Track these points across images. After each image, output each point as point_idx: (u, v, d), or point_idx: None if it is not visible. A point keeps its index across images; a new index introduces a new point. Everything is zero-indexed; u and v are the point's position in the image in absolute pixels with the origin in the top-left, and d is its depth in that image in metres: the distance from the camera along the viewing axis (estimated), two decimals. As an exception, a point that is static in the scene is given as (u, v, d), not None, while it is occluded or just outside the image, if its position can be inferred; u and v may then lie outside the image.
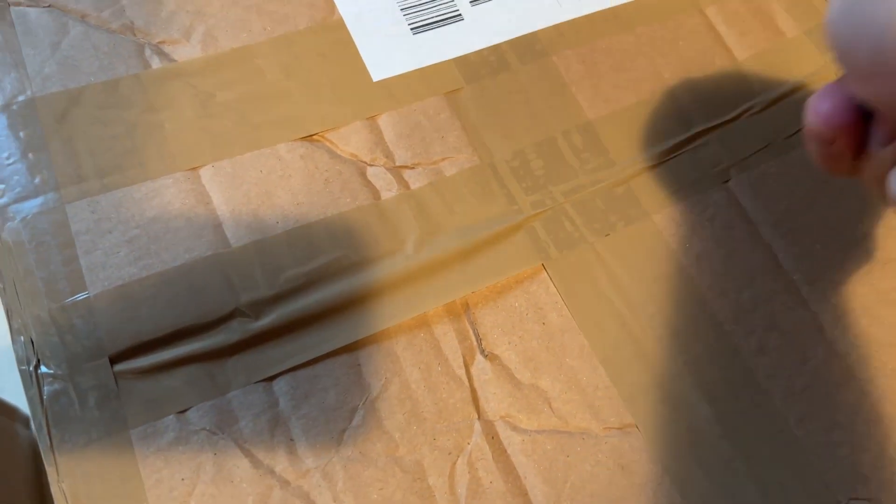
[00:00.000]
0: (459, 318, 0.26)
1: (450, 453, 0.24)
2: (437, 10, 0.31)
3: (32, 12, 0.29)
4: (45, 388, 0.23)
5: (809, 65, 0.32)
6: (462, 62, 0.31)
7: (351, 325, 0.25)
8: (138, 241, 0.25)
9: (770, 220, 0.29)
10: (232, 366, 0.24)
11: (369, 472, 0.24)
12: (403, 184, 0.28)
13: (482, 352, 0.26)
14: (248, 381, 0.24)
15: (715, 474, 0.25)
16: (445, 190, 0.28)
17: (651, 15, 0.33)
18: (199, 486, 0.23)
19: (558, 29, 0.32)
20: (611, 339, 0.26)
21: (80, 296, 0.24)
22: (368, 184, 0.28)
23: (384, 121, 0.29)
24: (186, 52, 0.29)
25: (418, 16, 0.31)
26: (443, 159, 0.29)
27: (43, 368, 0.23)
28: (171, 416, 0.23)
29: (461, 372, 0.25)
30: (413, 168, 0.28)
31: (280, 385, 0.24)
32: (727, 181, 0.30)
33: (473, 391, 0.25)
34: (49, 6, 0.29)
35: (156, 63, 0.29)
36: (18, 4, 0.29)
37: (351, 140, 0.28)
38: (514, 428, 0.25)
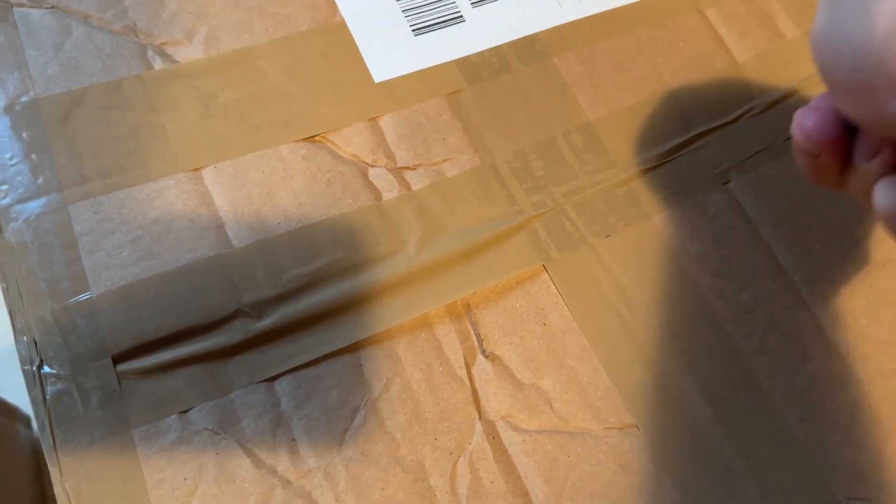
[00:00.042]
0: (461, 318, 0.26)
1: (451, 453, 0.24)
2: (439, 12, 0.32)
3: (35, 13, 0.29)
4: (49, 389, 0.23)
5: (809, 67, 0.32)
6: (463, 63, 0.31)
7: (353, 326, 0.25)
8: (141, 241, 0.26)
9: (770, 221, 0.29)
10: (234, 366, 0.24)
11: (371, 471, 0.24)
12: (405, 185, 0.28)
13: (483, 352, 0.26)
14: (250, 382, 0.24)
15: (715, 474, 0.25)
16: (447, 191, 0.28)
17: (651, 16, 0.33)
18: (202, 485, 0.23)
19: (559, 30, 0.32)
20: (611, 339, 0.26)
21: (83, 296, 0.24)
22: (370, 185, 0.28)
23: (386, 122, 0.29)
24: (189, 54, 0.29)
25: (420, 17, 0.31)
26: (444, 160, 0.29)
27: (46, 369, 0.23)
28: (173, 417, 0.23)
29: (462, 372, 0.25)
30: (414, 169, 0.28)
31: (282, 385, 0.24)
32: (727, 182, 0.30)
33: (474, 391, 0.25)
34: (52, 7, 0.29)
35: (158, 64, 0.29)
36: (21, 5, 0.29)
37: (353, 141, 0.29)
38: (515, 428, 0.25)
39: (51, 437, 0.23)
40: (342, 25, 0.31)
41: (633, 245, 0.28)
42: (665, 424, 0.25)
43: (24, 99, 0.27)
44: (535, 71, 0.31)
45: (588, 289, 0.27)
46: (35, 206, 0.26)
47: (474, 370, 0.26)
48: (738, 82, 0.32)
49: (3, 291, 0.25)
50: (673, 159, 0.30)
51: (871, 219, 0.30)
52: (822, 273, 0.28)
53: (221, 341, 0.24)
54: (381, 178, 0.28)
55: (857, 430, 0.26)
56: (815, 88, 0.32)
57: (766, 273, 0.28)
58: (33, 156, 0.26)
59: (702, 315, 0.27)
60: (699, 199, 0.29)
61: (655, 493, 0.24)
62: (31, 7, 0.29)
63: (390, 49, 0.30)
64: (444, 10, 0.32)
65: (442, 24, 0.31)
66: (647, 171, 0.30)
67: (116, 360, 0.24)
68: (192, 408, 0.24)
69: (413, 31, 0.31)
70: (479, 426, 0.25)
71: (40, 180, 0.26)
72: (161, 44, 0.29)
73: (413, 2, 0.32)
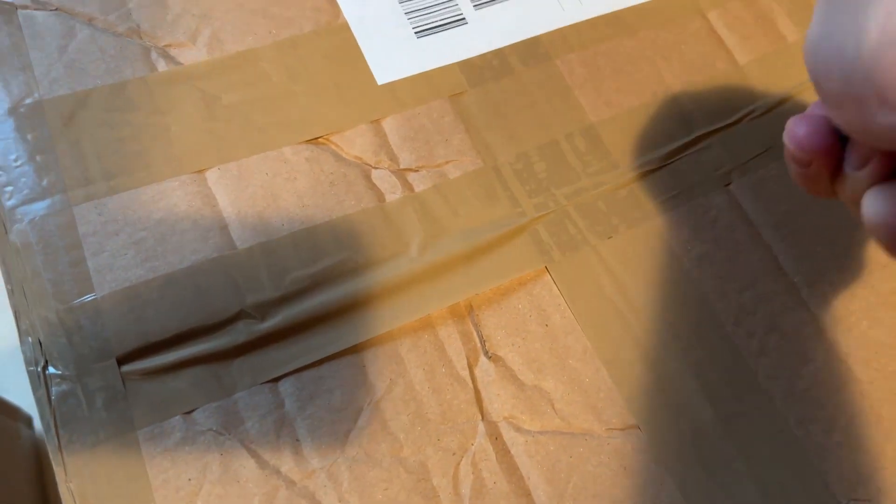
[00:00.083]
0: (463, 319, 0.26)
1: (454, 454, 0.24)
2: (441, 14, 0.32)
3: (40, 15, 0.29)
4: (53, 389, 0.23)
5: (810, 69, 0.33)
6: (466, 66, 0.31)
7: (356, 327, 0.25)
8: (145, 242, 0.26)
9: (771, 223, 0.29)
10: (238, 367, 0.24)
11: (374, 472, 0.24)
12: (408, 186, 0.28)
13: (486, 353, 0.26)
14: (253, 383, 0.24)
15: (716, 475, 0.25)
16: (449, 193, 0.28)
17: (653, 19, 0.33)
18: (206, 486, 0.23)
19: (561, 32, 0.32)
20: (613, 340, 0.27)
21: (88, 297, 0.25)
22: (373, 186, 0.28)
23: (389, 124, 0.29)
24: (192, 56, 0.29)
25: (422, 19, 0.31)
26: (447, 162, 0.29)
27: (51, 369, 0.24)
28: (177, 417, 0.23)
29: (465, 373, 0.26)
30: (417, 171, 0.29)
31: (285, 386, 0.24)
32: (729, 184, 0.30)
33: (477, 392, 0.25)
34: (56, 9, 0.29)
35: (162, 66, 0.29)
36: (26, 7, 0.29)
37: (356, 143, 0.29)
38: (518, 429, 0.25)
39: (56, 438, 0.23)
40: (345, 27, 0.31)
41: (634, 247, 0.28)
42: (666, 425, 0.26)
43: (28, 101, 0.27)
44: (537, 73, 0.31)
45: (590, 290, 0.27)
46: (40, 207, 0.26)
47: (477, 371, 0.26)
48: (740, 85, 0.32)
49: (8, 293, 0.25)
50: (674, 161, 0.30)
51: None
52: (823, 275, 0.29)
53: (225, 342, 0.24)
54: (384, 179, 0.28)
55: (858, 431, 0.26)
56: (815, 92, 0.32)
57: (768, 274, 0.28)
58: (38, 157, 0.26)
59: (703, 316, 0.27)
60: (701, 201, 0.29)
61: (657, 493, 0.25)
62: (35, 9, 0.29)
63: (393, 51, 0.30)
64: (447, 13, 0.32)
65: (444, 27, 0.31)
66: (648, 172, 0.30)
67: (121, 361, 0.24)
68: (196, 409, 0.24)
69: (416, 33, 0.31)
70: (481, 427, 0.25)
71: (45, 182, 0.26)
72: (165, 46, 0.29)
73: (416, 4, 0.32)
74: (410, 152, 0.29)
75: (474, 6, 0.32)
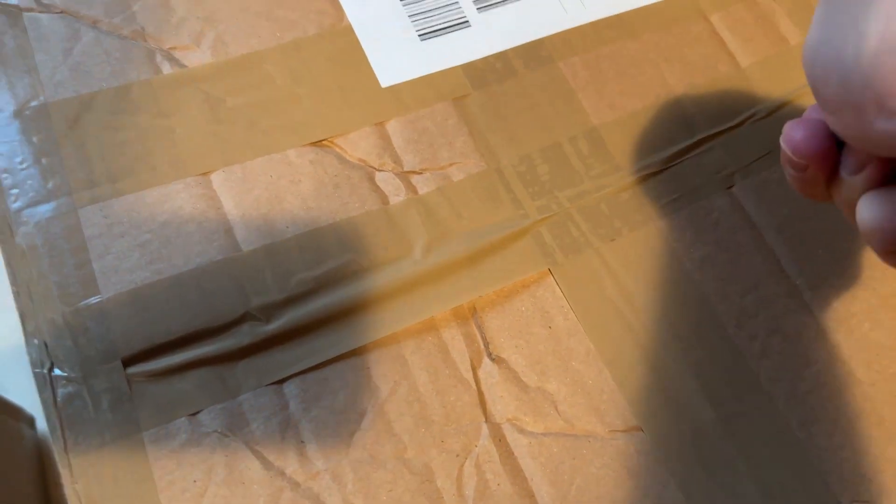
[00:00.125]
0: (467, 321, 0.27)
1: (458, 455, 0.24)
2: (445, 17, 0.32)
3: (45, 18, 0.29)
4: (59, 391, 0.23)
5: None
6: (469, 68, 0.31)
7: (360, 329, 0.26)
8: (150, 245, 0.26)
9: (773, 225, 0.29)
10: (243, 369, 0.25)
11: (378, 473, 0.24)
12: (411, 189, 0.28)
13: (489, 355, 0.26)
14: (258, 384, 0.24)
15: (718, 476, 0.25)
16: (453, 195, 0.28)
17: (656, 22, 0.33)
18: (211, 487, 0.23)
19: (564, 35, 0.32)
20: (616, 342, 0.27)
21: (93, 299, 0.25)
22: (377, 189, 0.28)
23: (392, 126, 0.29)
24: (197, 58, 0.29)
25: (426, 22, 0.32)
26: (450, 164, 0.29)
27: (57, 371, 0.24)
28: (182, 419, 0.24)
29: (468, 375, 0.26)
30: (421, 173, 0.29)
31: (290, 388, 0.25)
32: (731, 187, 0.30)
33: (481, 394, 0.26)
34: (61, 12, 0.29)
35: (166, 69, 0.29)
36: (31, 10, 0.29)
37: (360, 145, 0.29)
38: (521, 430, 0.25)
39: (62, 440, 0.23)
40: (349, 30, 0.31)
41: (637, 249, 0.28)
42: (669, 427, 0.26)
43: (34, 103, 0.27)
44: (540, 76, 0.31)
45: (593, 292, 0.27)
46: (45, 209, 0.26)
47: (480, 373, 0.26)
48: (742, 87, 0.32)
49: (14, 295, 0.25)
50: (677, 164, 0.30)
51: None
52: (825, 277, 0.29)
53: (230, 344, 0.25)
54: (387, 182, 0.28)
55: (860, 432, 0.26)
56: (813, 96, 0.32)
57: (770, 277, 0.29)
58: (43, 160, 0.27)
59: (705, 319, 0.28)
60: (703, 204, 0.30)
61: (660, 495, 0.25)
62: (40, 12, 0.29)
63: (397, 54, 0.31)
64: (450, 15, 0.32)
65: (448, 30, 0.32)
66: (651, 175, 0.30)
67: (126, 363, 0.24)
68: (202, 410, 0.24)
69: (419, 35, 0.31)
70: (485, 429, 0.25)
71: (50, 184, 0.26)
72: (169, 48, 0.29)
73: (419, 7, 0.32)
74: (414, 155, 0.29)
75: (477, 9, 0.32)
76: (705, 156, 0.31)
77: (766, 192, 0.30)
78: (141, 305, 0.25)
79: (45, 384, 0.24)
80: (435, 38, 0.31)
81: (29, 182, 0.26)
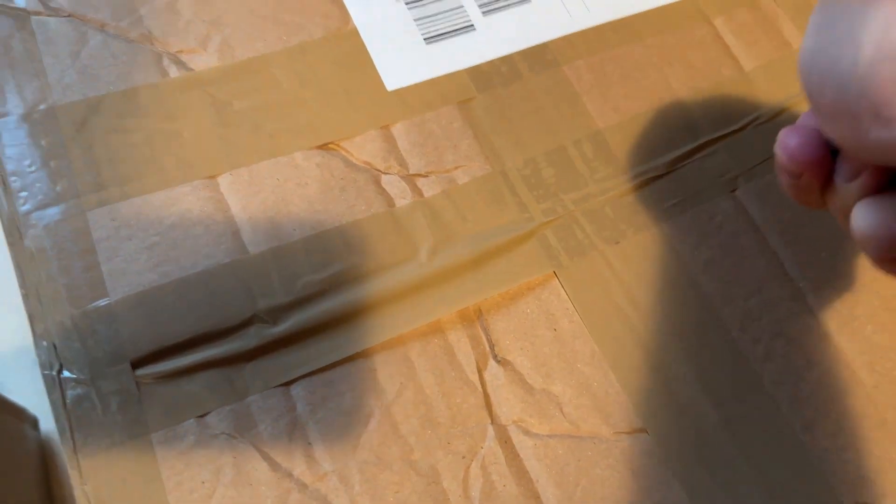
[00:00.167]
0: (472, 324, 0.27)
1: (464, 457, 0.25)
2: (450, 21, 0.32)
3: (52, 22, 0.29)
4: (68, 393, 0.24)
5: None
6: (474, 72, 0.31)
7: (366, 331, 0.26)
8: (158, 247, 0.26)
9: (777, 229, 0.30)
10: (250, 371, 0.25)
11: (385, 475, 0.24)
12: (417, 192, 0.28)
13: (495, 357, 0.26)
14: (266, 386, 0.25)
15: (722, 478, 0.25)
16: (458, 198, 0.29)
17: (660, 25, 0.33)
18: (219, 488, 0.23)
19: (569, 39, 0.32)
20: (621, 345, 0.27)
21: (102, 302, 0.25)
22: (383, 192, 0.28)
23: (398, 129, 0.30)
24: (203, 62, 0.30)
25: (431, 26, 0.32)
26: (455, 167, 0.29)
27: (66, 373, 0.24)
28: (191, 420, 0.24)
29: (474, 377, 0.26)
30: (426, 176, 0.29)
31: (297, 390, 0.25)
32: (734, 190, 0.30)
33: (486, 396, 0.26)
34: (69, 16, 0.29)
35: (173, 72, 0.29)
36: (39, 14, 0.29)
37: (365, 148, 0.29)
38: (527, 432, 0.25)
39: (71, 441, 0.23)
40: (354, 33, 0.31)
41: (641, 252, 0.29)
42: (673, 429, 0.26)
43: (42, 107, 0.28)
44: (545, 79, 0.31)
45: (598, 295, 0.28)
46: (54, 212, 0.26)
47: (486, 375, 0.26)
48: (746, 91, 0.32)
49: (23, 297, 0.25)
50: (681, 167, 0.30)
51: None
52: (828, 280, 0.29)
53: (238, 346, 0.25)
54: (393, 185, 0.29)
55: (862, 434, 0.27)
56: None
57: (773, 280, 0.29)
58: (52, 163, 0.27)
59: (709, 321, 0.28)
60: (707, 207, 0.30)
61: (664, 496, 0.25)
62: (48, 15, 0.29)
63: (402, 57, 0.31)
64: (456, 19, 0.32)
65: (453, 33, 0.32)
66: (655, 178, 0.30)
67: (135, 365, 0.24)
68: (210, 412, 0.24)
69: (425, 39, 0.31)
70: (491, 430, 0.25)
71: (59, 187, 0.26)
72: (176, 52, 0.30)
73: (424, 10, 0.32)
74: (420, 158, 0.29)
75: (483, 13, 0.32)
76: (709, 159, 0.31)
77: (769, 195, 0.30)
78: (149, 308, 0.25)
79: (55, 386, 0.24)
80: (440, 42, 0.31)
81: (37, 185, 0.26)
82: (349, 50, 0.31)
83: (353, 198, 0.28)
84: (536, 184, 0.29)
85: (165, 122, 0.28)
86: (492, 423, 0.25)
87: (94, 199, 0.26)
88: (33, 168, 0.27)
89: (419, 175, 0.29)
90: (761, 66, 0.33)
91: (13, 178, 0.26)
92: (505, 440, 0.25)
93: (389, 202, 0.28)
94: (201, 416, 0.24)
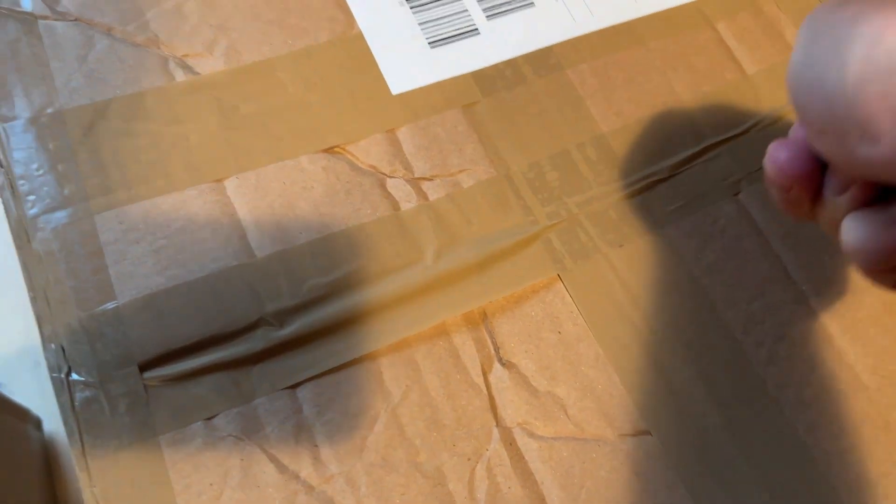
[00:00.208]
0: (477, 327, 0.27)
1: (469, 459, 0.25)
2: (454, 25, 0.32)
3: (59, 26, 0.29)
4: (77, 395, 0.24)
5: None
6: (479, 76, 0.31)
7: (372, 334, 0.26)
8: (165, 251, 0.26)
9: (779, 232, 0.30)
10: (257, 373, 0.25)
11: (391, 477, 0.24)
12: (422, 195, 0.29)
13: (500, 360, 0.26)
14: (273, 389, 0.25)
15: (726, 480, 0.25)
16: (463, 201, 0.29)
17: (663, 30, 0.34)
18: (227, 491, 0.23)
19: (572, 43, 0.33)
20: (625, 347, 0.27)
21: (110, 305, 0.25)
22: (388, 195, 0.28)
23: (403, 133, 0.30)
24: (210, 65, 0.30)
25: (436, 30, 0.32)
26: (460, 171, 0.29)
27: (74, 376, 0.24)
28: (198, 423, 0.24)
29: (479, 380, 0.26)
30: (431, 180, 0.29)
31: (304, 392, 0.25)
32: (737, 193, 0.30)
33: (491, 398, 0.26)
34: (75, 20, 0.30)
35: (180, 76, 0.29)
36: (46, 18, 0.29)
37: (371, 152, 0.29)
38: (532, 435, 0.25)
39: (80, 443, 0.23)
40: (359, 37, 0.31)
41: (645, 255, 0.29)
42: (677, 431, 0.26)
43: (49, 110, 0.28)
44: (549, 83, 0.32)
45: (602, 298, 0.28)
46: (61, 216, 0.26)
47: (491, 378, 0.26)
48: (749, 95, 0.33)
49: (31, 300, 0.25)
50: (684, 171, 0.31)
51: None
52: (831, 283, 0.29)
53: (245, 349, 0.25)
54: (398, 188, 0.29)
55: (865, 437, 0.27)
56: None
57: (776, 283, 0.29)
58: (59, 167, 0.27)
59: (713, 324, 0.28)
60: (710, 210, 0.30)
61: (668, 498, 0.25)
62: (55, 19, 0.29)
63: (407, 61, 0.31)
64: (460, 23, 0.32)
65: (458, 37, 0.32)
66: (658, 182, 0.30)
67: (143, 368, 0.24)
68: (217, 414, 0.24)
69: (429, 43, 0.32)
70: (496, 433, 0.25)
71: (66, 191, 0.27)
72: (182, 56, 0.30)
73: (429, 14, 0.32)
74: (424, 161, 0.29)
75: (487, 17, 0.32)
76: (712, 163, 0.31)
77: (772, 199, 0.30)
78: (156, 311, 0.25)
79: (63, 388, 0.24)
80: (445, 46, 0.32)
81: (45, 188, 0.27)
82: (354, 54, 0.31)
83: (358, 201, 0.28)
84: (540, 187, 0.29)
85: (172, 125, 0.28)
86: (497, 425, 0.25)
87: (101, 202, 0.27)
88: (41, 171, 0.27)
89: (424, 179, 0.29)
90: (764, 70, 0.33)
91: (21, 182, 0.26)
92: (510, 442, 0.25)
93: (395, 206, 0.28)
94: (209, 419, 0.24)
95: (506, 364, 0.26)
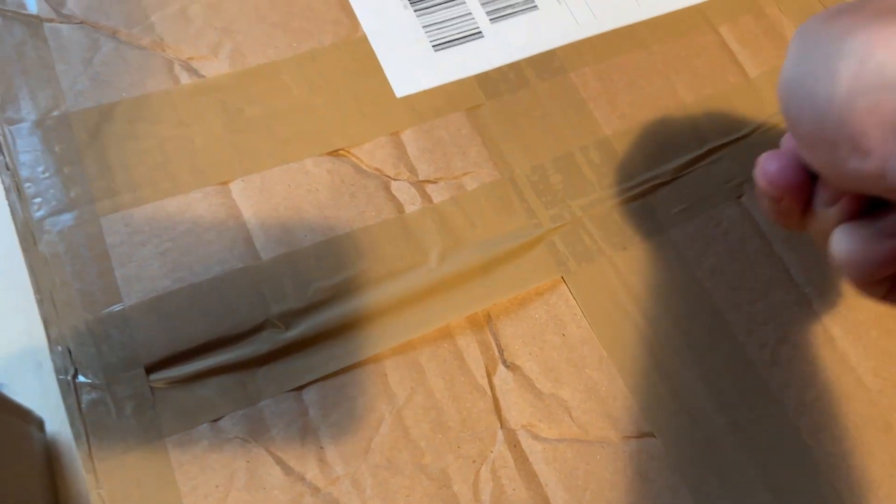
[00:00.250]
0: (482, 329, 0.27)
1: (474, 461, 0.25)
2: (458, 28, 0.32)
3: (65, 28, 0.29)
4: (84, 397, 0.24)
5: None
6: (482, 79, 0.31)
7: (377, 336, 0.26)
8: (171, 253, 0.26)
9: (782, 235, 0.30)
10: (263, 375, 0.25)
11: (396, 479, 0.24)
12: (426, 198, 0.29)
13: (504, 362, 0.27)
14: (278, 391, 0.25)
15: (729, 482, 0.26)
16: (467, 204, 0.29)
17: (666, 33, 0.34)
18: (233, 492, 0.23)
19: (575, 46, 0.33)
20: (628, 350, 0.27)
21: (116, 307, 0.25)
22: (393, 198, 0.29)
23: (407, 136, 0.30)
24: (215, 68, 0.30)
25: (440, 33, 0.32)
26: (464, 174, 0.29)
27: (80, 378, 0.24)
28: (204, 425, 0.24)
29: (484, 382, 0.26)
30: (435, 182, 0.29)
31: (310, 394, 0.25)
32: (740, 196, 0.31)
33: (496, 401, 0.26)
34: (81, 22, 0.30)
35: (185, 79, 0.29)
36: (51, 21, 0.29)
37: (375, 155, 0.29)
38: (536, 437, 0.26)
39: (86, 445, 0.23)
40: (364, 41, 0.31)
41: (649, 257, 0.29)
42: (681, 433, 0.26)
43: (55, 113, 0.28)
44: (552, 86, 0.32)
45: (606, 300, 0.28)
46: (67, 218, 0.26)
47: (495, 380, 0.26)
48: (751, 97, 0.33)
49: (38, 302, 0.25)
50: (687, 174, 0.31)
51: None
52: (833, 286, 0.29)
53: (250, 351, 0.25)
54: (403, 191, 0.29)
55: (868, 438, 0.27)
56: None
57: (779, 286, 0.29)
58: (65, 169, 0.27)
59: (716, 327, 0.28)
60: (713, 213, 0.30)
61: (671, 500, 0.25)
62: (60, 22, 0.30)
63: (411, 64, 0.31)
64: (464, 27, 0.32)
65: (461, 40, 0.32)
66: (661, 185, 0.30)
67: (149, 370, 0.24)
68: (223, 416, 0.24)
69: (433, 46, 0.32)
70: (500, 435, 0.25)
71: (72, 193, 0.27)
72: (188, 58, 0.30)
73: (433, 18, 0.32)
74: (429, 164, 0.29)
75: (490, 20, 0.33)
76: (715, 166, 0.31)
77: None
78: (163, 313, 0.25)
79: (70, 390, 0.24)
80: (449, 49, 0.32)
81: (51, 191, 0.27)
82: (359, 57, 0.31)
83: (363, 204, 0.28)
84: (544, 190, 0.30)
85: (177, 128, 0.28)
86: (501, 427, 0.26)
87: (107, 204, 0.27)
88: (47, 174, 0.27)
89: (428, 181, 0.29)
90: (766, 73, 0.33)
91: (27, 185, 0.27)
92: (514, 444, 0.25)
93: (399, 208, 0.28)
94: (215, 421, 0.24)
95: (510, 366, 0.27)
